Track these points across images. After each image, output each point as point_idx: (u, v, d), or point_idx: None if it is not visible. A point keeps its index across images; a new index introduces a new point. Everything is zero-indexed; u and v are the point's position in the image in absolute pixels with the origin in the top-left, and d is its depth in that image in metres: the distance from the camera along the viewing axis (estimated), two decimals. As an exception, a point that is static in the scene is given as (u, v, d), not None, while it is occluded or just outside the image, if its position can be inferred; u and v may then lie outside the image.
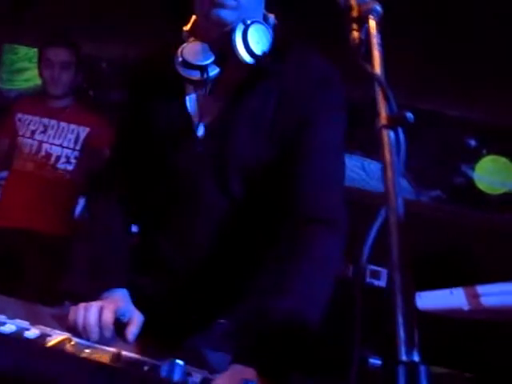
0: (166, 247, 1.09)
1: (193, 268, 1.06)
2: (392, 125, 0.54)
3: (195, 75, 1.02)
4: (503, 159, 3.24)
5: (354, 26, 0.76)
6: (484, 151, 3.26)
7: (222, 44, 1.01)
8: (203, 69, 1.01)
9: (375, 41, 0.70)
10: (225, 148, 1.03)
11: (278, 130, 1.02)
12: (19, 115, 2.50)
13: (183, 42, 1.06)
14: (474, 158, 3.25)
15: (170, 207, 1.09)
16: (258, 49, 0.99)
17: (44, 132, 2.46)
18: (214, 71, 1.02)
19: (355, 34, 0.74)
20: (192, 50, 1.02)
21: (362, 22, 0.76)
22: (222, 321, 1.07)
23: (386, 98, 0.55)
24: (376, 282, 2.59)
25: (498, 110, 3.10)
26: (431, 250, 2.79)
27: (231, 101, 1.04)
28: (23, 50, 3.60)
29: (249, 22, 0.99)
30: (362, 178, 3.29)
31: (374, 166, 3.30)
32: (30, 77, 3.54)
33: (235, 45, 0.98)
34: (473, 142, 3.27)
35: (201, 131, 1.05)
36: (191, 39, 1.05)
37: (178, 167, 1.07)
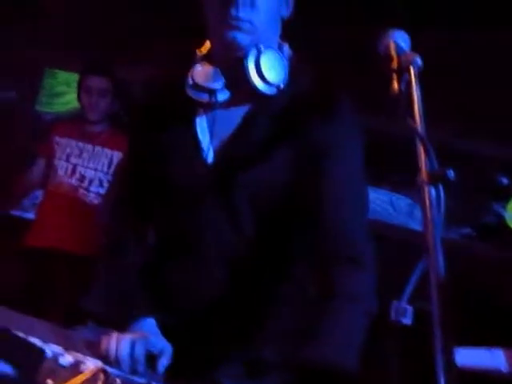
0: (177, 280, 1.08)
1: (206, 302, 1.05)
2: (433, 181, 0.55)
3: (204, 98, 1.02)
4: (536, 199, 3.18)
5: (394, 76, 0.78)
6: (516, 191, 3.21)
7: (234, 69, 1.00)
8: (212, 92, 1.01)
9: (415, 93, 0.72)
10: (233, 176, 1.01)
11: (289, 159, 1.00)
12: (57, 138, 2.59)
13: (195, 64, 1.06)
14: (505, 196, 3.20)
15: (180, 239, 1.08)
16: (270, 75, 0.98)
17: (79, 155, 2.54)
18: (223, 95, 1.02)
19: (395, 84, 0.76)
20: (203, 73, 1.02)
21: (402, 72, 0.78)
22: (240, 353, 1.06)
23: (427, 154, 0.56)
24: (402, 320, 2.53)
25: (532, 148, 3.07)
26: (459, 288, 2.73)
27: (241, 127, 1.03)
28: (63, 75, 3.73)
29: (262, 47, 0.98)
30: (389, 212, 3.27)
31: (402, 201, 3.28)
32: (68, 100, 3.66)
33: (247, 69, 0.97)
34: (505, 181, 3.22)
35: (210, 157, 1.04)
36: (203, 63, 1.05)
37: (187, 194, 1.05)
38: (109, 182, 2.53)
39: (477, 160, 3.18)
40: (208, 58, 1.06)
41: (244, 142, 1.03)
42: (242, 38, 0.98)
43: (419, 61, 0.78)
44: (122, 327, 1.01)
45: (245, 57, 0.98)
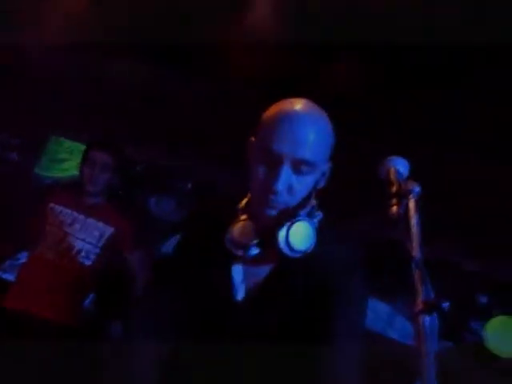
0: None
1: None
2: (427, 311, 0.58)
3: (239, 253, 1.15)
4: (515, 321, 3.17)
5: (394, 200, 0.84)
6: (495, 310, 3.22)
7: (267, 230, 1.12)
8: (246, 247, 1.15)
9: (414, 220, 0.77)
10: (258, 314, 1.16)
11: (308, 305, 1.13)
12: (51, 205, 2.61)
13: (237, 212, 1.19)
14: (484, 315, 3.21)
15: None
16: (298, 245, 1.10)
17: (71, 224, 2.55)
18: (255, 251, 1.15)
19: (394, 208, 0.82)
20: (240, 231, 1.16)
21: (401, 197, 0.84)
22: None
23: (423, 283, 0.60)
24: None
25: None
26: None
27: (269, 275, 1.17)
28: (67, 143, 3.84)
29: (294, 221, 1.11)
30: (370, 318, 3.26)
31: (382, 307, 3.28)
32: (68, 167, 3.74)
33: (278, 239, 1.10)
34: (484, 299, 3.25)
35: (240, 295, 1.17)
36: (243, 216, 1.18)
37: (208, 324, 1.18)
38: (96, 254, 2.53)
39: (457, 276, 3.23)
40: (247, 211, 1.19)
41: (270, 287, 1.16)
42: (277, 215, 1.10)
43: (418, 188, 0.84)
44: None
45: (277, 226, 1.11)
